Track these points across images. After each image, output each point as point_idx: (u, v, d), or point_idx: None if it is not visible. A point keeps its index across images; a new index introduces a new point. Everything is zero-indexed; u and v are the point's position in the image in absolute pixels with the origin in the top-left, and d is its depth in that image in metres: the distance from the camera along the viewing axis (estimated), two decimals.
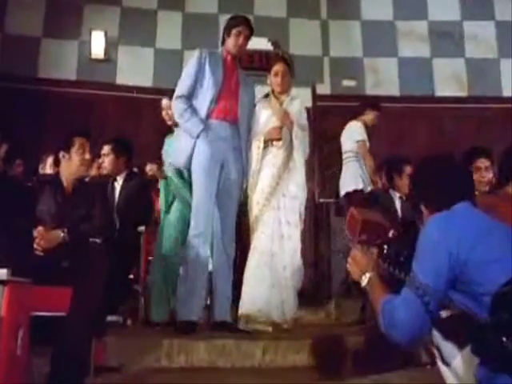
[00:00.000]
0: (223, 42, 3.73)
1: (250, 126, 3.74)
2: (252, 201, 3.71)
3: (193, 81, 3.59)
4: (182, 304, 3.44)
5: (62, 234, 2.71)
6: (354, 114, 5.07)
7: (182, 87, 3.62)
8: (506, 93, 6.11)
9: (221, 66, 3.65)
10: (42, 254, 2.66)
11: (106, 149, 4.20)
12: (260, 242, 3.63)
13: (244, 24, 3.67)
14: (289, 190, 3.67)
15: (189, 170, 3.62)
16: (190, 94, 3.60)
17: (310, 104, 6.04)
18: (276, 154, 3.71)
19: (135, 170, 4.52)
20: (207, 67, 3.61)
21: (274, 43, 6.13)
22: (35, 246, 2.66)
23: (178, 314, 3.45)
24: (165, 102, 4.00)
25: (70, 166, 2.94)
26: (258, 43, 6.05)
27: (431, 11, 6.45)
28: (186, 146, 3.57)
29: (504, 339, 1.30)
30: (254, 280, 3.59)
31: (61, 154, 2.95)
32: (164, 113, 4.02)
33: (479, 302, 1.48)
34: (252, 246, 3.66)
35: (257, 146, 3.70)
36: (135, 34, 6.15)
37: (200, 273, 3.49)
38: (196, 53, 3.67)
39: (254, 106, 3.81)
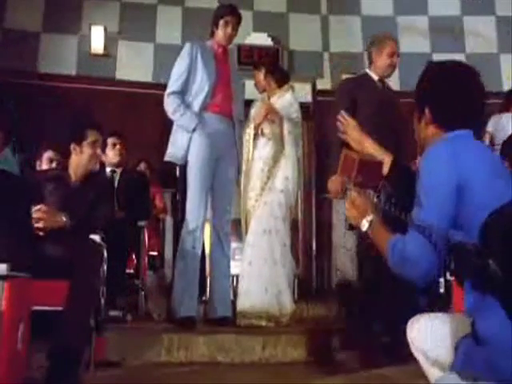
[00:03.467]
0: (212, 34, 3.66)
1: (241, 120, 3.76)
2: (246, 197, 3.74)
3: (186, 76, 3.53)
4: (181, 300, 3.44)
5: (65, 219, 2.70)
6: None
7: (175, 83, 3.55)
8: (506, 88, 6.09)
9: (213, 59, 3.59)
10: (40, 243, 2.65)
11: (114, 140, 4.19)
12: (251, 237, 3.68)
13: (231, 13, 3.59)
14: (276, 184, 3.72)
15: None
16: (183, 90, 3.54)
17: (310, 99, 6.04)
18: (264, 146, 3.75)
19: None
20: (199, 60, 3.54)
21: (273, 39, 6.11)
22: (35, 224, 2.63)
23: (177, 310, 3.44)
24: None
25: (81, 158, 2.90)
26: (258, 38, 6.05)
27: (431, 6, 6.43)
28: (182, 141, 3.52)
29: (490, 262, 1.29)
30: (248, 276, 3.63)
31: (72, 145, 2.91)
32: None
33: (470, 236, 1.42)
34: (246, 242, 3.71)
35: (247, 133, 3.77)
36: (135, 29, 6.13)
37: (195, 269, 3.51)
38: (187, 46, 3.60)
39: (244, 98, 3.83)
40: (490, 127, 5.01)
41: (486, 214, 1.40)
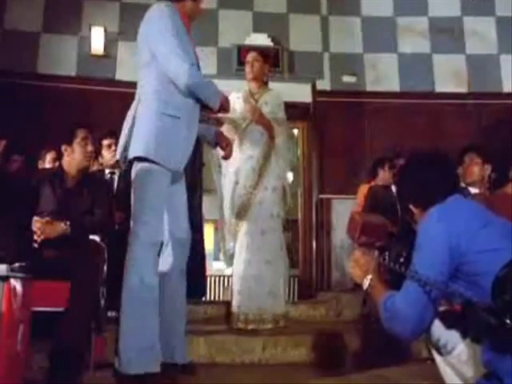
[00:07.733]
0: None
1: None
2: (238, 196, 3.67)
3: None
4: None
5: (65, 227, 2.72)
6: None
7: (186, 54, 2.78)
8: (506, 89, 6.09)
9: (186, 33, 2.94)
10: (40, 244, 2.66)
11: (109, 141, 4.18)
12: (245, 238, 3.63)
13: None
14: (270, 182, 3.66)
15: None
16: None
17: (309, 100, 6.04)
18: (253, 146, 3.69)
19: None
20: (180, 29, 2.88)
21: (273, 39, 6.11)
22: (35, 237, 2.66)
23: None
24: None
25: (73, 158, 2.94)
26: (258, 39, 6.05)
27: (431, 7, 6.43)
28: (181, 140, 2.68)
29: (508, 321, 1.32)
30: (243, 277, 3.58)
31: (63, 147, 2.95)
32: None
33: (480, 290, 1.49)
34: (239, 244, 3.65)
35: (226, 129, 3.56)
36: (135, 29, 6.07)
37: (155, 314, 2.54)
38: (166, 6, 2.92)
39: None
40: None
41: (472, 268, 1.55)
